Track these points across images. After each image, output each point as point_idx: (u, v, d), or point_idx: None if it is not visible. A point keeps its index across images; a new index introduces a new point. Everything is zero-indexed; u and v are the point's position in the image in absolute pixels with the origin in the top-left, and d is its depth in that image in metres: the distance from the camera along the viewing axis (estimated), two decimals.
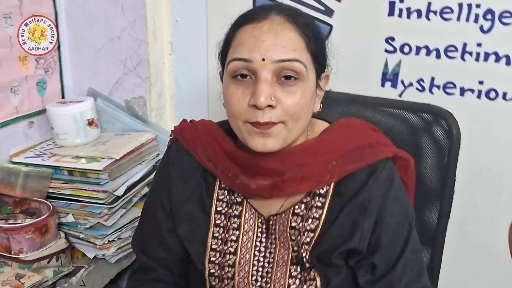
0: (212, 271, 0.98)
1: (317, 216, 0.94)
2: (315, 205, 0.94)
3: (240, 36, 0.88)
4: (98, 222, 1.44)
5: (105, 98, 1.73)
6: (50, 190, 1.48)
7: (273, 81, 0.86)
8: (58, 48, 1.69)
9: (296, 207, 0.95)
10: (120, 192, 1.46)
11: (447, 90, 1.36)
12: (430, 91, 1.38)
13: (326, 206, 0.94)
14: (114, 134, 1.69)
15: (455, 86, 1.35)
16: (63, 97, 1.74)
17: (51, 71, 1.67)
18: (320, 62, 0.92)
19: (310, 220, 0.93)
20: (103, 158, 1.48)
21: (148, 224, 1.06)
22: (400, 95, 1.42)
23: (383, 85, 1.43)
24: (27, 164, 1.50)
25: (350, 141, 0.95)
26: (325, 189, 0.95)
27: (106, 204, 1.44)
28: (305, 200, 0.95)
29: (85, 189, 1.45)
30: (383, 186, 0.92)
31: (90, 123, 1.60)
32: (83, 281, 1.42)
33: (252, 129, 0.88)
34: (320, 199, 0.94)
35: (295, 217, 0.94)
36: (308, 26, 0.90)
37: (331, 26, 1.46)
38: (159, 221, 1.03)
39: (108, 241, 1.44)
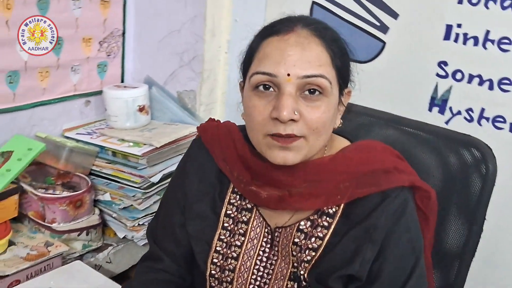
0: (213, 272, 0.99)
1: (321, 235, 0.92)
2: (321, 224, 0.93)
3: (265, 48, 0.88)
4: (132, 205, 1.51)
5: (160, 87, 1.79)
6: (94, 168, 1.56)
7: (297, 95, 0.86)
8: (123, 34, 1.77)
9: (302, 223, 0.94)
10: (155, 179, 1.51)
11: (496, 124, 1.29)
12: (479, 123, 1.32)
13: (332, 227, 0.92)
14: (163, 122, 1.75)
15: (505, 121, 1.28)
16: (122, 81, 1.82)
17: (113, 56, 1.76)
18: (344, 77, 0.91)
19: (313, 239, 0.92)
20: (145, 144, 1.54)
21: (163, 216, 1.09)
22: (447, 122, 1.37)
23: (430, 109, 1.39)
24: (77, 140, 1.59)
25: (366, 164, 0.93)
26: (334, 209, 0.93)
27: (141, 189, 1.50)
28: (312, 218, 0.93)
29: (124, 171, 1.52)
30: (393, 216, 0.89)
31: (141, 109, 1.67)
32: (110, 258, 1.49)
33: (272, 142, 0.87)
34: (328, 218, 0.93)
35: (299, 233, 0.93)
36: (335, 40, 0.89)
37: (384, 43, 1.42)
38: (172, 215, 1.06)
39: (138, 224, 1.50)
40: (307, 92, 0.86)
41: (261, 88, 0.87)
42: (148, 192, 1.51)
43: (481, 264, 1.24)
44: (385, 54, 1.43)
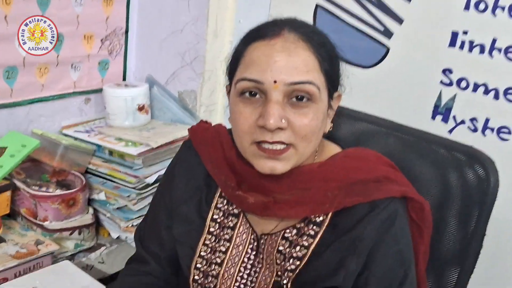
0: (196, 277, 0.96)
1: (307, 244, 0.89)
2: (307, 233, 0.89)
3: (251, 54, 0.85)
4: (126, 205, 1.49)
5: (161, 87, 1.77)
6: (90, 166, 1.55)
7: (284, 102, 0.83)
8: (126, 33, 1.75)
9: (288, 231, 0.91)
10: (150, 180, 1.49)
11: (501, 135, 1.25)
12: (483, 133, 1.27)
13: (319, 236, 0.89)
14: (162, 122, 1.73)
15: (510, 132, 1.23)
16: (124, 79, 1.81)
17: (115, 54, 1.74)
18: (333, 82, 0.88)
19: (298, 248, 0.89)
20: (142, 144, 1.52)
21: (151, 218, 1.07)
22: (450, 131, 1.32)
23: (433, 117, 1.34)
24: (74, 138, 1.57)
25: (356, 172, 0.90)
26: (321, 218, 0.90)
27: (135, 189, 1.48)
28: (298, 226, 0.90)
29: (120, 171, 1.50)
30: (380, 227, 0.86)
31: (140, 108, 1.65)
32: (103, 258, 1.47)
33: (259, 153, 0.84)
34: (314, 227, 0.90)
35: (284, 241, 0.90)
36: (323, 45, 0.85)
37: (388, 48, 1.38)
38: (159, 217, 1.04)
39: (132, 225, 1.48)
40: (294, 99, 0.83)
41: (247, 94, 0.84)
42: (142, 193, 1.49)
43: (480, 279, 1.20)
44: (389, 59, 1.39)
